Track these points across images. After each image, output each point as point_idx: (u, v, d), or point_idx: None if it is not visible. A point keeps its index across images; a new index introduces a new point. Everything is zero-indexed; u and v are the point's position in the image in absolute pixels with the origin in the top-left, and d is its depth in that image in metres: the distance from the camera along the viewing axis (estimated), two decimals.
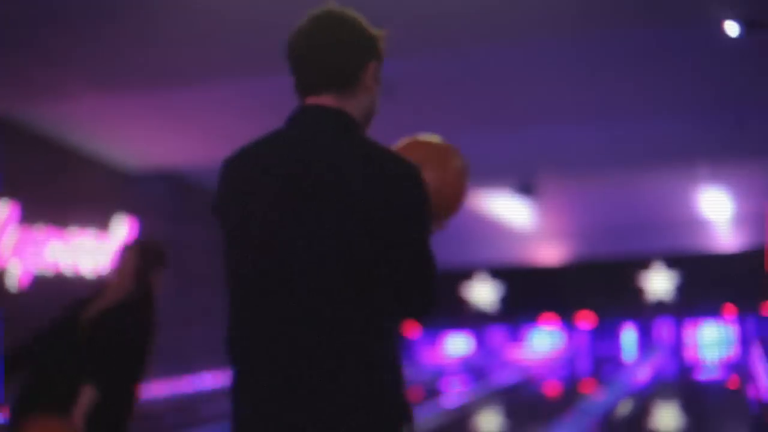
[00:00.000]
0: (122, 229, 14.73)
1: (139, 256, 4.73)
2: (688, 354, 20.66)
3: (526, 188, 16.76)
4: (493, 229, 19.78)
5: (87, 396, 4.50)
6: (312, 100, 2.49)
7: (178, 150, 15.05)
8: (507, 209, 18.00)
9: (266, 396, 2.32)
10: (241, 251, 2.42)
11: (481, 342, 22.58)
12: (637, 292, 21.65)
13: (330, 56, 2.45)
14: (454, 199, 2.69)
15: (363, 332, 2.30)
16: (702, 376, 16.99)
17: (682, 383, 15.79)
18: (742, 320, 21.90)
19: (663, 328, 21.97)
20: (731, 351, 20.55)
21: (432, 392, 15.83)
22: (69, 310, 4.81)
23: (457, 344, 23.61)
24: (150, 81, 12.01)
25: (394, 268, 2.32)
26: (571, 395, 13.61)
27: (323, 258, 2.30)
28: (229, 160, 2.54)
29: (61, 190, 13.98)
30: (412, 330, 22.36)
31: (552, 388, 15.37)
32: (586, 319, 21.66)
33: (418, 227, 2.35)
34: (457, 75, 12.32)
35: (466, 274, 22.45)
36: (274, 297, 2.34)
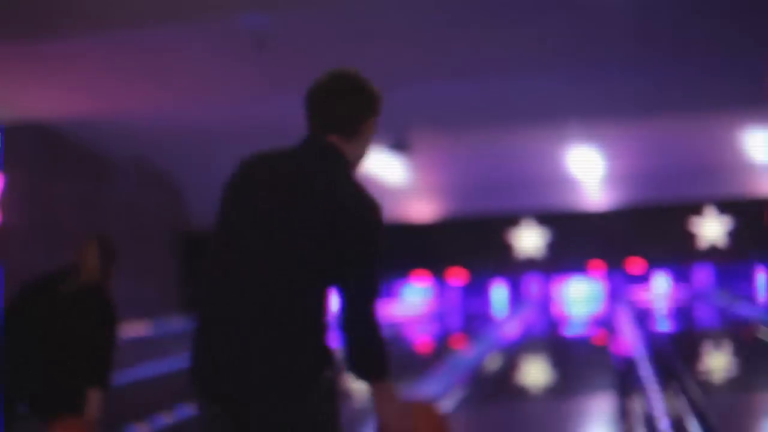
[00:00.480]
0: None
1: (101, 249, 5.19)
2: (557, 310, 21.06)
3: (399, 145, 16.78)
4: (365, 185, 19.79)
5: (98, 398, 5.02)
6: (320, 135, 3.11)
7: (48, 102, 14.65)
8: (380, 166, 18.02)
9: (217, 335, 2.94)
10: (234, 225, 3.09)
11: None
12: (508, 249, 21.93)
13: (340, 109, 3.09)
14: None
15: (304, 300, 2.92)
16: (569, 332, 17.33)
17: (550, 339, 16.08)
18: (609, 277, 22.40)
19: (532, 285, 22.34)
20: (598, 307, 21.01)
21: None
22: (43, 282, 5.15)
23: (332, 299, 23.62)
24: (17, 30, 11.64)
25: (345, 274, 2.94)
26: (441, 351, 13.75)
27: (292, 245, 2.93)
28: (245, 159, 3.15)
29: None
30: None
31: (423, 345, 15.51)
32: (457, 276, 21.89)
33: (371, 249, 2.97)
34: (329, 30, 12.24)
35: None
36: (245, 263, 2.97)
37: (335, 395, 3.00)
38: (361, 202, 2.98)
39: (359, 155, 3.15)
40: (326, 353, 2.96)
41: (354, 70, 3.12)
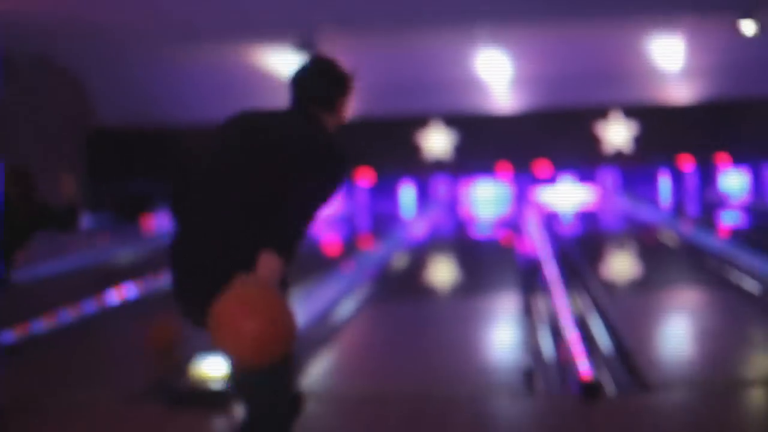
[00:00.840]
0: None
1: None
2: (464, 211, 21.25)
3: (306, 45, 16.63)
4: (273, 87, 19.60)
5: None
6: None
7: None
8: (287, 67, 17.84)
9: (186, 248, 3.49)
10: (207, 161, 3.58)
11: None
12: (416, 150, 22.01)
13: (320, 88, 3.65)
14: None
15: (255, 220, 3.42)
16: (476, 233, 17.53)
17: (457, 239, 16.25)
18: (515, 179, 22.63)
19: (440, 186, 22.48)
20: (505, 209, 21.25)
21: None
22: None
23: None
24: None
25: (286, 201, 3.39)
26: (349, 251, 13.82)
27: (249, 178, 3.46)
28: (230, 115, 3.70)
29: None
30: None
31: (331, 245, 15.57)
32: (365, 177, 21.92)
33: (327, 187, 3.47)
34: None
35: None
36: (210, 191, 3.50)
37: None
38: (335, 148, 3.52)
39: (334, 124, 3.72)
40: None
41: (333, 59, 3.74)
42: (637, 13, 17.89)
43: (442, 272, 11.80)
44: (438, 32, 18.29)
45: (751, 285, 9.15)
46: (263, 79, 18.73)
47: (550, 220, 16.91)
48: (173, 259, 3.51)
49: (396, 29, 17.68)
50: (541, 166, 22.04)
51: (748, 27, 17.95)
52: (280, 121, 3.63)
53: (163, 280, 10.81)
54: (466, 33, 18.82)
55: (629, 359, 6.09)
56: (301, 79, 3.71)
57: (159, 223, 20.57)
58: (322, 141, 3.54)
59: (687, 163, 22.14)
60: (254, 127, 3.60)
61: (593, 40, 19.49)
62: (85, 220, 20.06)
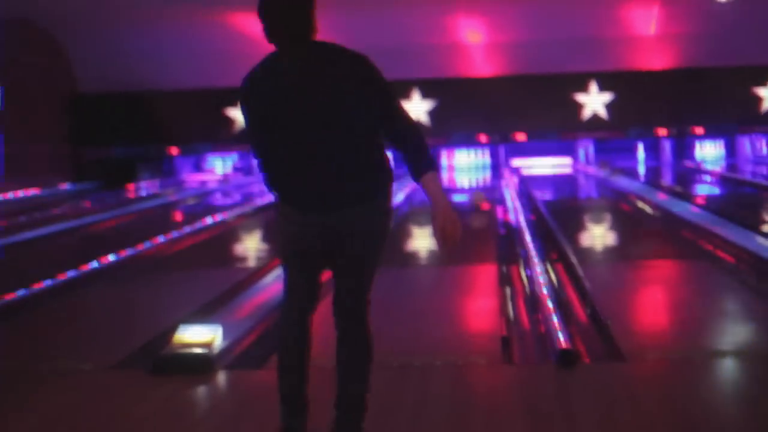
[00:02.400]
0: None
1: None
2: (444, 176, 21.32)
3: None
4: (250, 50, 19.57)
5: None
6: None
7: None
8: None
9: (303, 179, 3.98)
10: (265, 121, 3.94)
11: (246, 161, 22.62)
12: None
13: (302, 18, 3.87)
14: None
15: (359, 144, 3.96)
16: (455, 200, 17.60)
17: None
18: (493, 147, 22.71)
19: None
20: (482, 176, 21.33)
21: (197, 212, 15.83)
22: None
23: (219, 165, 23.58)
24: None
25: (377, 111, 3.94)
26: None
27: (334, 112, 3.89)
28: (252, 71, 3.99)
29: None
30: (174, 149, 22.16)
31: None
32: None
33: (387, 86, 3.96)
34: None
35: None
36: (304, 141, 3.93)
37: (391, 211, 4.08)
38: (362, 59, 3.92)
39: None
40: (387, 172, 4.04)
41: None
42: None
43: (421, 240, 11.87)
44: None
45: (725, 255, 9.28)
46: (240, 41, 18.67)
47: (528, 187, 17.00)
48: (297, 187, 3.96)
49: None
50: (519, 134, 22.12)
51: None
52: (315, 57, 3.89)
53: (145, 246, 10.87)
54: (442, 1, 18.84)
55: (605, 328, 6.19)
56: (282, 9, 3.86)
57: (141, 187, 20.56)
58: (353, 53, 3.93)
59: (662, 133, 22.25)
60: (305, 71, 3.87)
61: (570, 6, 19.53)
62: (70, 186, 20.04)
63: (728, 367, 5.40)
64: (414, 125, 3.97)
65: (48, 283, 8.50)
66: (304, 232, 4.01)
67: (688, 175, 20.07)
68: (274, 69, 3.96)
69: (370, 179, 3.99)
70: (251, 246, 12.36)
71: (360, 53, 3.94)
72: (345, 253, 4.03)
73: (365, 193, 3.97)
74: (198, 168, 23.46)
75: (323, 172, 3.93)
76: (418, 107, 21.98)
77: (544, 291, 7.11)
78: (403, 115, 3.97)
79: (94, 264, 9.57)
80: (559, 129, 22.21)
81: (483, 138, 22.18)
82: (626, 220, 13.45)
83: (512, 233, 11.05)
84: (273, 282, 7.94)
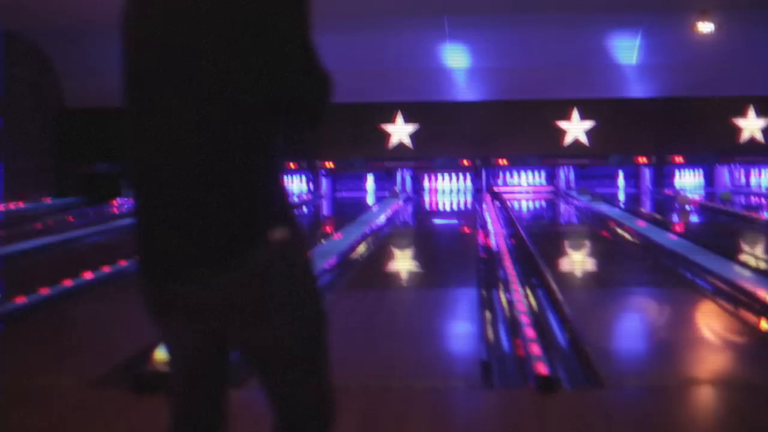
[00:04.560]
0: None
1: None
2: (426, 199, 21.37)
3: None
4: None
5: None
6: None
7: None
8: None
9: (156, 198, 2.46)
10: (127, 82, 2.56)
11: None
12: (380, 139, 22.07)
13: None
14: None
15: (242, 144, 2.40)
16: (437, 222, 17.64)
17: (418, 228, 16.37)
18: (476, 170, 22.76)
19: (403, 175, 22.59)
20: (464, 200, 21.38)
21: None
22: None
23: None
24: None
25: (276, 69, 2.40)
26: (315, 237, 13.88)
27: (199, 69, 2.38)
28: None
29: None
30: None
31: None
32: (329, 164, 21.96)
33: (294, 24, 2.41)
34: None
35: None
36: (157, 112, 2.45)
37: (301, 257, 2.54)
38: None
39: None
40: (279, 201, 2.48)
41: None
42: (597, 10, 18.07)
43: (403, 262, 11.90)
44: (401, 23, 18.37)
45: (703, 283, 9.35)
46: None
47: (509, 212, 17.06)
48: (141, 213, 2.51)
49: (361, 17, 17.72)
50: (501, 158, 22.20)
51: (705, 26, 18.19)
52: None
53: (128, 262, 10.86)
54: (430, 24, 18.92)
55: (584, 354, 6.23)
56: None
57: (126, 204, 20.53)
58: None
59: (643, 161, 22.37)
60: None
61: (553, 35, 19.65)
62: (54, 201, 19.99)
63: (706, 396, 5.44)
64: (321, 74, 2.48)
65: (30, 297, 8.49)
66: (166, 323, 2.55)
67: (667, 202, 20.18)
68: None
69: (258, 200, 2.42)
70: None
71: None
72: (251, 348, 2.53)
73: (249, 230, 2.41)
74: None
75: (173, 182, 2.42)
76: (401, 130, 22.05)
77: (525, 316, 7.15)
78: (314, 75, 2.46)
79: (77, 279, 9.56)
80: (541, 155, 22.30)
81: (465, 162, 22.25)
82: (606, 247, 13.52)
83: (493, 257, 11.09)
84: None
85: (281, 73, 2.40)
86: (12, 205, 18.45)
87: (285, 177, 2.57)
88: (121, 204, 20.39)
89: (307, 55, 2.43)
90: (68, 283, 9.37)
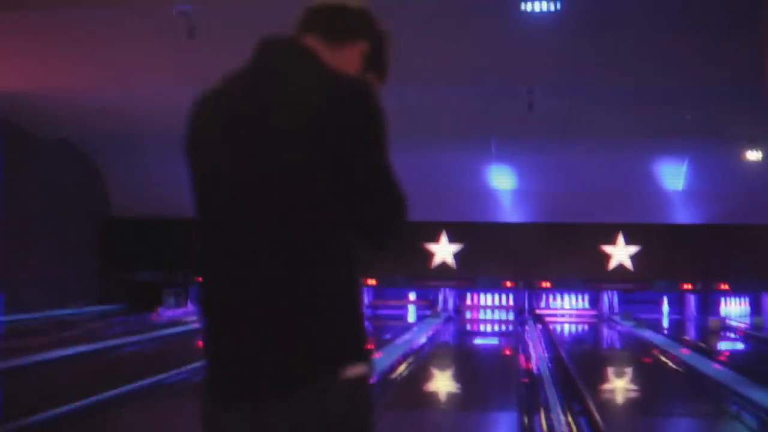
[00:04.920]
0: None
1: None
2: (468, 319, 21.28)
3: None
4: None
5: None
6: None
7: None
8: None
9: (223, 319, 2.39)
10: (199, 188, 2.47)
11: None
12: (422, 258, 22.07)
13: (328, 3, 2.54)
14: None
15: (317, 262, 2.31)
16: (478, 344, 17.55)
17: (459, 349, 16.27)
18: (519, 292, 22.67)
19: (445, 294, 22.53)
20: (507, 321, 21.27)
21: None
22: None
23: None
24: None
25: (353, 191, 2.35)
26: None
27: (272, 188, 2.31)
28: (195, 100, 2.56)
29: None
30: None
31: None
32: (370, 282, 21.96)
33: (372, 145, 2.38)
34: (256, 22, 12.26)
35: None
36: (228, 229, 2.36)
37: (368, 401, 2.40)
38: (336, 95, 2.33)
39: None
40: (357, 330, 2.37)
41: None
42: (644, 136, 18.17)
43: (443, 383, 11.82)
44: (449, 144, 18.54)
45: (748, 416, 9.19)
46: None
47: (551, 335, 16.94)
48: (212, 331, 2.44)
49: (406, 139, 17.91)
50: (545, 281, 22.12)
51: (753, 154, 18.21)
52: (279, 75, 2.39)
53: (169, 372, 10.86)
54: (477, 146, 19.09)
55: None
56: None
57: (168, 313, 20.60)
58: (341, 80, 2.37)
59: (688, 287, 22.20)
60: (250, 98, 2.39)
61: (599, 160, 19.74)
62: (96, 308, 20.12)
63: None
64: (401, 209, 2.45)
65: (71, 406, 8.48)
66: None
67: (712, 330, 19.93)
68: (224, 90, 2.51)
69: (335, 329, 2.32)
70: None
71: (357, 79, 2.42)
72: None
73: (322, 362, 2.30)
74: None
75: (246, 303, 2.33)
76: (444, 250, 22.08)
77: None
78: (391, 197, 2.43)
79: (118, 388, 9.55)
80: (585, 278, 22.20)
81: (508, 284, 22.18)
82: (649, 374, 13.36)
83: (534, 381, 10.99)
84: None
85: (360, 192, 2.36)
86: (55, 311, 18.59)
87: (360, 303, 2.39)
88: (162, 313, 20.46)
89: (385, 175, 2.40)
90: (109, 392, 9.37)
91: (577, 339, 18.46)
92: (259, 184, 2.31)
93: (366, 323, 2.43)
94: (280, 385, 2.28)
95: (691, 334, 19.70)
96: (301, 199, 2.29)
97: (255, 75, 2.43)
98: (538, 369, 11.88)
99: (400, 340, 15.50)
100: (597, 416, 8.46)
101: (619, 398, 11.06)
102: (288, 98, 2.33)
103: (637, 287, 22.22)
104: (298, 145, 2.29)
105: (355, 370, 2.33)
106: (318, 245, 2.31)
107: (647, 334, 17.67)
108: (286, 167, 2.29)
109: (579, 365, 12.28)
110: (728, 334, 19.35)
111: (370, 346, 2.42)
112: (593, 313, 22.87)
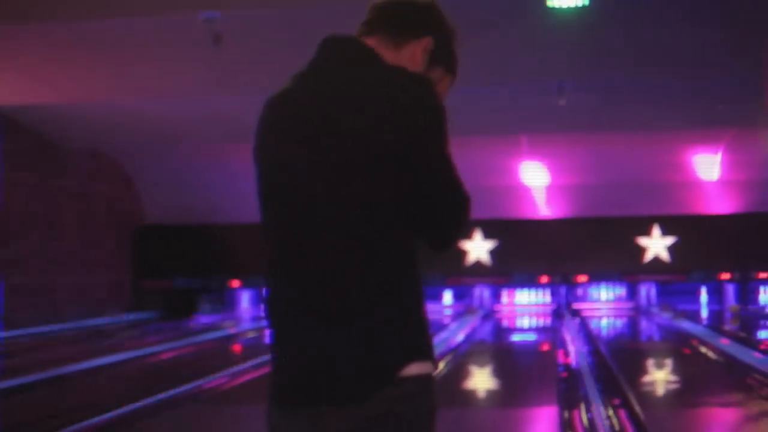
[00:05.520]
0: None
1: None
2: (504, 317, 21.22)
3: None
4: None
5: None
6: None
7: (3, 88, 14.59)
8: None
9: (288, 319, 2.37)
10: (267, 190, 2.46)
11: None
12: (457, 256, 22.05)
13: (391, 4, 2.53)
14: None
15: (381, 259, 2.32)
16: (515, 341, 17.49)
17: (496, 347, 16.23)
18: (555, 288, 22.58)
19: (480, 292, 22.48)
20: (544, 317, 21.19)
21: (256, 346, 15.84)
22: None
23: None
24: None
25: (415, 190, 2.34)
26: None
27: (336, 188, 2.31)
28: (265, 102, 2.55)
29: None
30: (236, 282, 22.28)
31: None
32: None
33: (431, 143, 2.35)
34: (283, 30, 12.26)
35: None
36: (296, 230, 2.36)
37: (432, 400, 2.42)
38: (412, 85, 2.34)
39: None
40: (418, 330, 2.37)
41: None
42: (677, 128, 18.05)
43: (481, 380, 11.78)
44: (479, 141, 18.49)
45: None
46: None
47: (589, 329, 16.86)
48: (280, 336, 2.40)
49: None
50: (580, 275, 22.03)
51: None
52: (348, 74, 2.40)
53: (205, 379, 10.89)
54: (507, 143, 19.03)
55: None
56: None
57: (204, 319, 20.67)
58: (404, 76, 2.37)
59: (725, 277, 22.03)
60: (320, 99, 2.38)
61: (632, 151, 19.63)
62: (130, 316, 20.21)
63: None
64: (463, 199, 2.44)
65: (107, 415, 8.51)
66: None
67: (751, 319, 19.79)
68: (290, 90, 2.49)
69: (396, 330, 2.32)
70: None
71: (417, 76, 2.38)
72: None
73: (380, 365, 2.30)
74: (259, 297, 23.44)
75: (311, 307, 2.34)
76: (479, 247, 22.04)
77: None
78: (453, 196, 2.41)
79: (155, 396, 9.58)
80: (621, 271, 22.09)
81: (544, 279, 22.10)
82: (689, 365, 13.26)
83: (573, 375, 10.93)
84: None
85: (426, 191, 2.35)
86: (89, 320, 18.69)
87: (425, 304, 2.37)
88: (197, 320, 20.53)
89: (450, 174, 2.39)
90: (146, 400, 9.39)
91: (615, 332, 18.37)
92: (326, 185, 2.32)
93: (428, 321, 2.42)
94: (349, 386, 2.29)
95: (730, 324, 19.55)
96: (367, 199, 2.30)
97: (317, 75, 2.44)
98: (577, 363, 11.82)
99: (437, 339, 15.45)
100: (637, 408, 8.40)
101: (659, 390, 10.99)
102: (346, 98, 2.35)
103: (674, 278, 22.08)
104: (361, 145, 2.30)
105: (420, 368, 2.35)
106: (384, 245, 2.32)
107: (686, 325, 17.55)
108: (352, 168, 2.30)
109: (618, 358, 12.21)
110: (735, 315, 19.19)
111: (432, 344, 2.42)
112: (631, 305, 22.75)
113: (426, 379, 2.35)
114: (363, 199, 2.30)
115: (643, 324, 20.01)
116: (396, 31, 2.49)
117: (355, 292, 2.29)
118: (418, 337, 2.35)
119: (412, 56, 2.50)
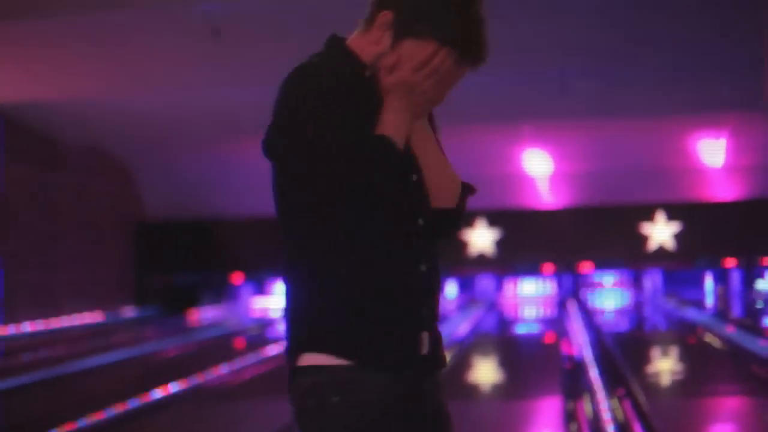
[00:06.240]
0: None
1: None
2: (507, 309, 21.16)
3: None
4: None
5: None
6: None
7: (2, 85, 14.54)
8: None
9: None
10: None
11: None
12: (460, 247, 21.99)
13: None
14: None
15: (302, 255, 2.35)
16: (519, 332, 17.43)
17: (500, 338, 16.17)
18: (559, 277, 22.52)
19: (483, 283, 22.42)
20: (548, 307, 21.14)
21: (258, 341, 15.80)
22: None
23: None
24: None
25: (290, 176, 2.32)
26: None
27: (276, 194, 2.35)
28: None
29: None
30: (237, 277, 22.24)
31: None
32: None
33: (282, 129, 2.30)
34: (283, 22, 12.19)
35: None
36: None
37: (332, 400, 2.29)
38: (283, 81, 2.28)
39: (372, 54, 2.33)
40: (323, 317, 2.29)
41: None
42: (681, 113, 17.95)
43: (485, 372, 11.72)
44: (482, 130, 18.41)
45: None
46: None
47: (593, 319, 16.79)
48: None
49: (442, 125, 17.79)
50: (585, 265, 21.96)
51: None
52: None
53: (207, 375, 10.84)
54: (510, 130, 18.94)
55: None
56: None
57: (202, 314, 20.63)
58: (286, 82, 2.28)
59: (731, 263, 21.95)
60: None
61: (637, 137, 19.54)
62: (131, 312, 20.18)
63: None
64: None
65: (109, 412, 8.47)
66: None
67: (757, 306, 19.70)
68: None
69: (297, 315, 2.33)
70: None
71: (295, 68, 2.29)
72: None
73: (290, 351, 2.33)
74: (260, 292, 23.32)
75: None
76: (484, 237, 21.97)
77: (610, 428, 6.94)
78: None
79: (156, 393, 9.53)
80: (626, 259, 22.02)
81: (548, 268, 22.03)
82: (694, 354, 13.19)
83: (577, 366, 10.86)
84: None
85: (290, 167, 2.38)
86: (92, 317, 18.65)
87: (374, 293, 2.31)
88: (198, 315, 20.48)
89: (287, 132, 2.36)
90: (147, 397, 9.35)
91: (619, 321, 18.30)
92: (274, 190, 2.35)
93: (343, 313, 2.36)
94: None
95: (736, 311, 19.48)
96: (281, 197, 2.34)
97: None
98: (581, 353, 11.75)
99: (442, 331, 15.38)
100: (642, 399, 8.33)
101: (665, 380, 10.92)
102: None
103: (679, 266, 22.01)
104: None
105: (313, 360, 2.34)
106: (302, 238, 2.36)
107: (691, 313, 17.48)
108: (274, 168, 2.35)
109: (622, 348, 12.15)
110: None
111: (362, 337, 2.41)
112: (635, 293, 22.68)
113: (318, 371, 2.26)
114: (279, 198, 2.33)
115: (648, 312, 19.95)
116: (366, 16, 2.36)
117: (287, 284, 2.35)
118: (322, 324, 2.28)
119: (374, 38, 2.33)
